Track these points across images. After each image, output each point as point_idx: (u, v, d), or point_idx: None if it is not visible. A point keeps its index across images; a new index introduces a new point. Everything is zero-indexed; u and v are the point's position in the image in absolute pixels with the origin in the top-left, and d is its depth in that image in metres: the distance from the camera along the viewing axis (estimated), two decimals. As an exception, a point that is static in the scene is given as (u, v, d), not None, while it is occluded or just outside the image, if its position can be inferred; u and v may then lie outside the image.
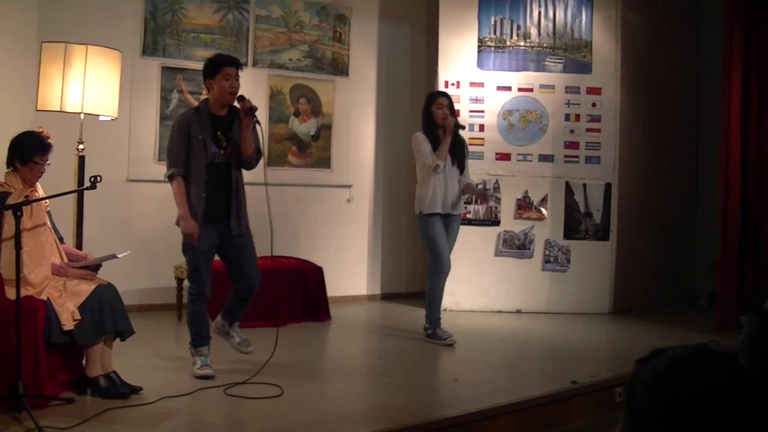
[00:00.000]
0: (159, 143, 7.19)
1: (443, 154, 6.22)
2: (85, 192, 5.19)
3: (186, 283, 6.70)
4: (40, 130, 4.57)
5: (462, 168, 6.41)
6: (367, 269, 8.45)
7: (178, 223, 4.97)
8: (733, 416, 1.26)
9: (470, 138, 7.57)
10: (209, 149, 4.95)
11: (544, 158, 7.80)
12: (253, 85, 7.52)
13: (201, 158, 4.92)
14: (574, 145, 7.83)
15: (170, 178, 4.95)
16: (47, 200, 4.52)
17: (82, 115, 5.63)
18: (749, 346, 1.49)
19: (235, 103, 5.04)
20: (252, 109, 4.97)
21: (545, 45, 7.89)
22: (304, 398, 4.61)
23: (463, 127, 6.43)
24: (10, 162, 4.43)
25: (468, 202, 7.67)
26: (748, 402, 1.28)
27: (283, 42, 7.84)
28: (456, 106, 7.33)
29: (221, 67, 4.98)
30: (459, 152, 6.38)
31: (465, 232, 7.08)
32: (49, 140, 4.52)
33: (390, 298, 8.46)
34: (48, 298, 4.24)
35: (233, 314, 5.25)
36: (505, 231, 7.80)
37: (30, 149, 4.40)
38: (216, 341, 5.20)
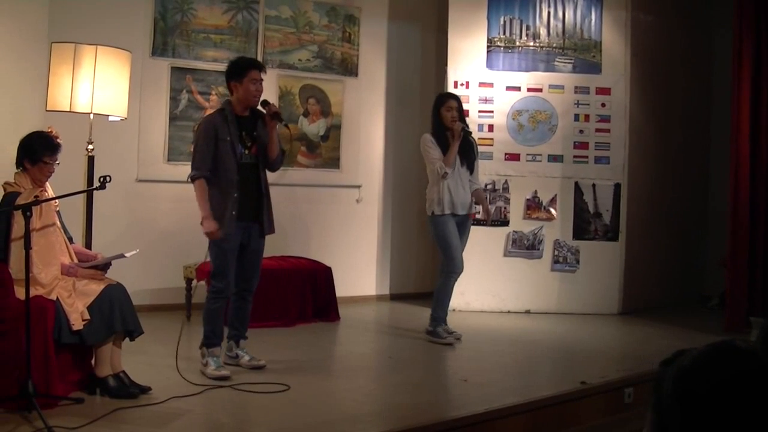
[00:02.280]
0: (168, 143, 7.20)
1: (451, 161, 6.21)
2: (95, 192, 5.20)
3: (195, 283, 6.76)
4: (49, 130, 4.58)
5: (471, 169, 6.40)
6: (376, 269, 8.45)
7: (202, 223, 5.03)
8: (760, 411, 1.26)
9: (479, 138, 7.56)
10: (237, 150, 5.01)
11: (554, 158, 7.79)
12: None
13: (230, 159, 4.99)
14: (583, 145, 7.81)
15: (192, 179, 5.00)
16: (57, 200, 4.53)
17: (91, 116, 5.64)
18: (764, 345, 1.49)
19: (259, 107, 5.13)
20: (278, 114, 5.07)
21: (555, 45, 7.87)
22: (313, 398, 4.61)
23: (470, 133, 6.39)
24: (20, 162, 4.44)
25: (477, 203, 7.65)
26: None
27: (293, 42, 7.85)
28: (465, 107, 7.31)
29: (248, 70, 5.05)
30: (469, 154, 6.36)
31: (474, 233, 7.05)
32: (58, 140, 4.53)
33: (399, 298, 8.45)
34: (57, 298, 4.24)
35: (238, 327, 5.26)
36: (514, 231, 7.79)
37: (40, 149, 4.42)
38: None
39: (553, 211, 7.80)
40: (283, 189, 7.58)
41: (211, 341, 5.04)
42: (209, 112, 7.20)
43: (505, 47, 7.87)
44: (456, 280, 6.33)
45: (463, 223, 6.34)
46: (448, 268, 6.28)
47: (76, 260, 4.60)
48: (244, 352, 5.24)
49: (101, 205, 6.07)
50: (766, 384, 1.28)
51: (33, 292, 4.08)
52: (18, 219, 4.18)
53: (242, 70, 5.05)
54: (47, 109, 5.61)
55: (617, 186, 7.80)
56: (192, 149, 5.14)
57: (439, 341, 6.20)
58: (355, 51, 8.22)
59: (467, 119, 7.13)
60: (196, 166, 4.99)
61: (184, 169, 7.14)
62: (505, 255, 7.79)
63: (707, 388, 1.29)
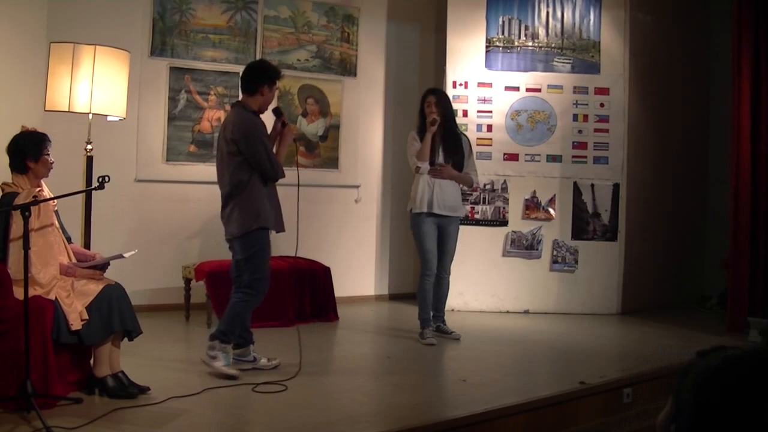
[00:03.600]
0: (167, 144, 7.20)
1: (423, 155, 6.20)
2: (93, 192, 5.20)
3: (194, 283, 6.75)
4: (26, 128, 4.56)
5: (460, 168, 6.30)
6: (374, 269, 8.45)
7: (249, 231, 5.02)
8: None
9: (478, 138, 7.57)
10: None
11: (552, 159, 7.79)
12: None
13: None
14: (582, 145, 7.81)
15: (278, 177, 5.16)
16: (55, 200, 4.53)
17: (90, 116, 5.63)
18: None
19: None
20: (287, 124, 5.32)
21: (553, 45, 7.87)
22: (312, 399, 4.61)
23: (437, 121, 6.26)
24: (21, 165, 4.40)
25: (476, 203, 7.66)
26: None
27: (292, 42, 7.84)
28: (464, 107, 7.33)
29: (277, 78, 5.16)
30: (456, 152, 6.28)
31: (473, 233, 7.07)
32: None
33: (398, 298, 8.45)
34: (56, 298, 4.24)
35: (249, 329, 5.25)
36: (513, 231, 7.79)
37: (38, 144, 4.42)
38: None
39: (551, 211, 7.80)
40: (281, 189, 7.58)
41: (228, 338, 5.05)
42: (209, 112, 7.24)
43: (503, 47, 7.87)
44: (430, 282, 6.31)
45: (448, 225, 6.29)
46: (421, 270, 6.31)
47: (74, 260, 4.60)
48: (258, 355, 5.26)
49: (100, 206, 6.07)
50: None
51: (32, 292, 4.07)
52: (16, 219, 4.18)
53: (274, 77, 5.14)
54: (46, 109, 5.60)
55: (616, 186, 7.80)
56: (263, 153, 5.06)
57: (421, 342, 6.22)
58: (353, 51, 8.22)
59: (465, 119, 7.13)
60: (278, 167, 5.10)
61: (183, 170, 7.22)
62: (503, 255, 7.79)
63: (725, 394, 1.28)
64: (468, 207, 7.58)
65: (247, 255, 5.03)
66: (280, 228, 5.21)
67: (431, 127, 6.19)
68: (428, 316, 6.32)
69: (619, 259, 7.82)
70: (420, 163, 6.21)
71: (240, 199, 4.99)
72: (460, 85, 7.77)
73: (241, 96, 5.29)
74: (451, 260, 6.42)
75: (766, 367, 1.31)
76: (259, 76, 5.09)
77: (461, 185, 6.44)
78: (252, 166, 4.97)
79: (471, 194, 7.58)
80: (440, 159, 6.23)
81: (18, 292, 4.11)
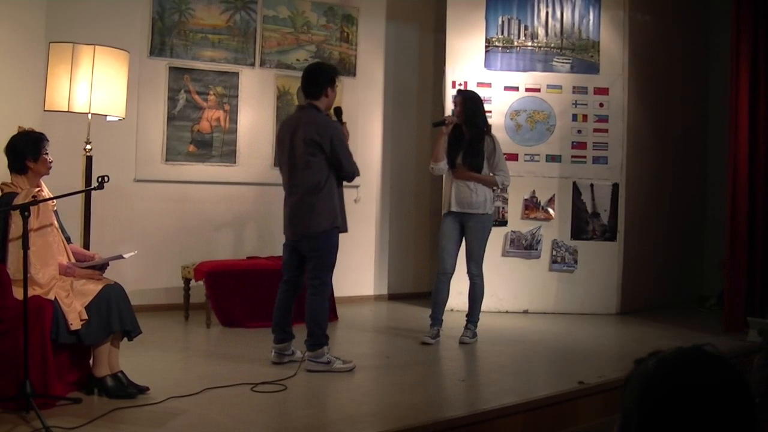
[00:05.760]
0: (166, 144, 7.19)
1: (434, 155, 6.27)
2: (93, 192, 5.20)
3: (194, 283, 6.74)
4: (23, 129, 4.56)
5: (476, 170, 6.21)
6: (374, 269, 8.45)
7: (325, 230, 5.15)
8: (719, 420, 1.26)
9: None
10: None
11: (552, 158, 7.79)
12: (260, 86, 7.53)
13: None
14: (581, 145, 7.81)
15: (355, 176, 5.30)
16: (54, 200, 4.53)
17: (89, 116, 5.64)
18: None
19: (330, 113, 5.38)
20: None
21: (552, 45, 7.87)
22: (311, 398, 4.62)
23: (442, 122, 6.31)
24: (20, 165, 4.40)
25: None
26: (736, 407, 1.28)
27: (291, 42, 7.84)
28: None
29: (337, 77, 5.32)
30: (474, 154, 6.21)
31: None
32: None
33: (397, 298, 8.45)
34: (55, 298, 4.24)
35: (290, 324, 5.36)
36: (512, 231, 7.79)
37: (37, 144, 4.42)
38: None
39: (551, 211, 7.80)
40: (279, 189, 7.58)
41: (325, 339, 5.23)
42: (208, 112, 7.24)
43: (503, 47, 7.87)
44: (443, 281, 6.30)
45: (467, 222, 6.25)
46: (437, 269, 6.31)
47: (73, 260, 4.60)
48: (294, 349, 5.39)
49: (99, 206, 6.06)
50: (726, 395, 1.28)
51: (31, 292, 4.07)
52: (16, 219, 4.18)
53: (334, 75, 5.29)
54: (45, 109, 5.61)
55: (615, 186, 7.81)
56: (297, 155, 5.14)
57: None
58: (353, 51, 8.22)
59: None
60: (356, 168, 5.28)
61: (182, 169, 7.22)
62: (503, 255, 7.79)
63: (666, 393, 1.29)
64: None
65: (325, 253, 5.18)
66: (345, 228, 5.31)
67: (441, 127, 6.22)
68: (436, 315, 6.31)
69: (618, 259, 7.82)
70: (433, 163, 6.26)
71: (317, 199, 5.11)
72: (460, 85, 7.76)
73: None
74: (475, 260, 6.32)
75: (702, 363, 1.32)
76: (322, 80, 5.22)
77: (492, 186, 6.31)
78: (331, 166, 5.11)
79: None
80: (459, 160, 6.24)
81: (17, 292, 4.11)
